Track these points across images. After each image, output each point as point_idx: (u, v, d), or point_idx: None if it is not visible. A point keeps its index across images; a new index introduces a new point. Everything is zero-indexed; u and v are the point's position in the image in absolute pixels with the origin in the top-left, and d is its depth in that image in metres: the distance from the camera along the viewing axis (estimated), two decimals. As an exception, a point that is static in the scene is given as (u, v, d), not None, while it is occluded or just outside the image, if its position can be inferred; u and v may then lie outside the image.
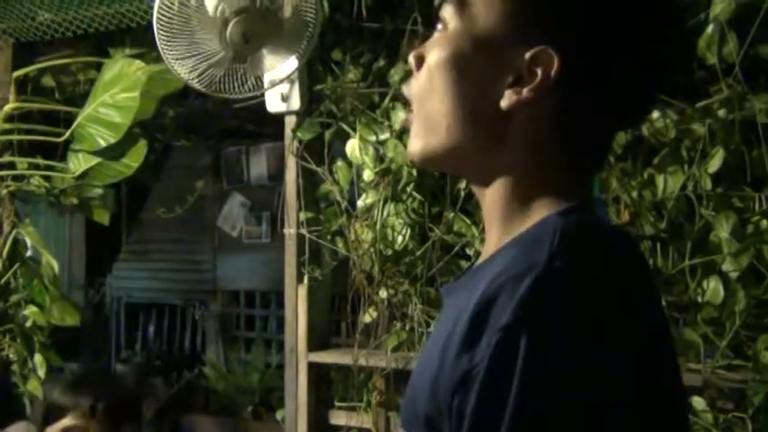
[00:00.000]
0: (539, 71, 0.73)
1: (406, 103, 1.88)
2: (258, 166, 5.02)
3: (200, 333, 5.45)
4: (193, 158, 5.17)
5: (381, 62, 2.11)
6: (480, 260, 0.79)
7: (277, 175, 4.87)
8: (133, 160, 2.66)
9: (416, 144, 0.79)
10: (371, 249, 2.00)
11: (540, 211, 0.73)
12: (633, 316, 0.66)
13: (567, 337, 0.61)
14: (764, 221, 1.69)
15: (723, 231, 1.69)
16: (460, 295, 0.70)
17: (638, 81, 0.76)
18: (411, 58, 0.81)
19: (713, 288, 1.69)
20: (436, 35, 0.79)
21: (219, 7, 1.86)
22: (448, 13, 0.78)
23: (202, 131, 4.61)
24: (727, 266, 1.69)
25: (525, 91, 0.73)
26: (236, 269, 5.24)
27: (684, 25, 1.28)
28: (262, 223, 5.06)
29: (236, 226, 5.18)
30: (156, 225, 5.33)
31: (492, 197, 0.77)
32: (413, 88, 0.80)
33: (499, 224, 0.76)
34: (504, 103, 0.74)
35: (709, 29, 1.69)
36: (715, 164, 1.71)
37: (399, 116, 1.98)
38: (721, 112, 1.72)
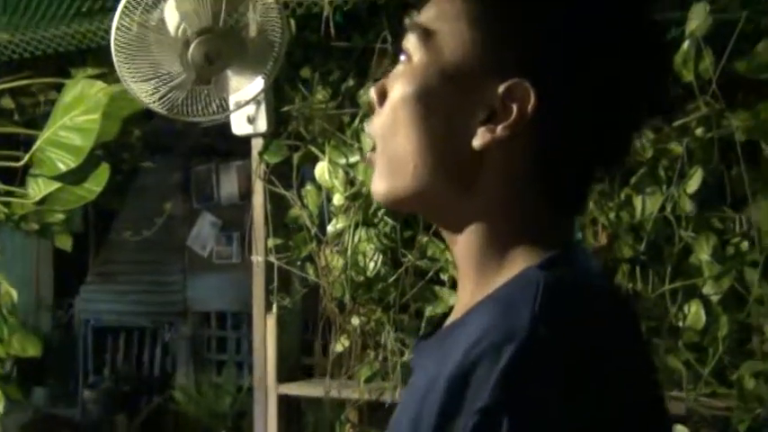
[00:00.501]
0: (514, 107, 0.66)
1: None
2: (229, 185, 4.93)
3: (170, 356, 5.34)
4: (162, 177, 5.07)
5: (351, 82, 2.05)
6: (454, 314, 0.72)
7: (248, 193, 4.77)
8: (95, 184, 2.56)
9: (381, 185, 0.73)
10: (342, 276, 1.93)
11: (518, 262, 0.67)
12: (624, 385, 0.60)
13: (553, 420, 0.54)
14: (745, 243, 1.65)
15: (704, 253, 1.65)
16: (431, 359, 0.64)
17: (621, 112, 0.71)
18: (372, 93, 0.75)
19: (694, 312, 1.64)
20: (400, 68, 0.72)
21: (181, 27, 1.79)
22: (411, 43, 0.71)
23: (171, 150, 4.51)
24: (708, 290, 1.65)
25: (500, 129, 0.67)
26: (206, 290, 5.14)
27: (668, 49, 1.23)
28: (233, 243, 4.97)
29: (207, 246, 5.08)
30: (124, 246, 5.21)
31: (464, 244, 0.71)
32: (375, 125, 0.73)
33: (473, 275, 0.70)
34: (476, 143, 0.67)
35: (685, 45, 1.65)
36: (694, 184, 1.66)
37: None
38: (699, 131, 1.68)
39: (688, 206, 1.67)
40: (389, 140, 0.71)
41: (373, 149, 0.76)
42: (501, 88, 0.67)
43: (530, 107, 0.66)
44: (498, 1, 0.69)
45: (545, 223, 0.69)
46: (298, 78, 2.16)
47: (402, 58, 0.73)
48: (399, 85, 0.71)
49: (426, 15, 0.72)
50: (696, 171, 1.66)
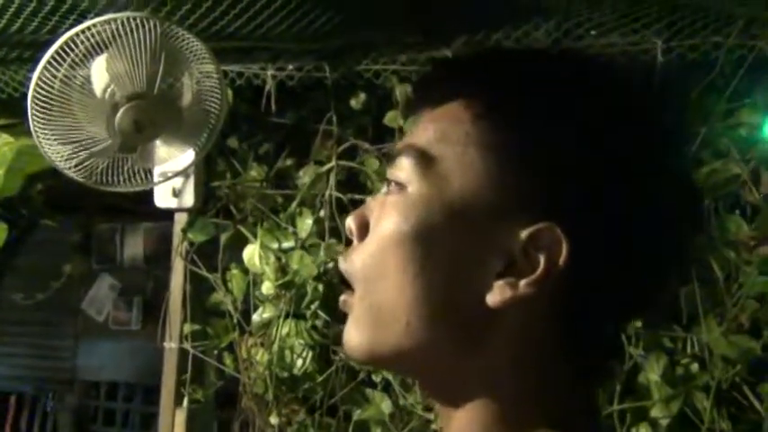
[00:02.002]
0: (540, 258, 0.54)
1: (315, 208, 1.60)
2: (133, 247, 4.65)
3: (52, 426, 4.91)
4: (61, 234, 4.73)
5: (288, 161, 1.92)
6: None
7: (154, 257, 4.52)
8: (-10, 246, 2.32)
9: (359, 338, 0.58)
10: (266, 372, 1.76)
11: None
12: None
13: None
14: (695, 365, 1.59)
15: (653, 373, 1.58)
16: None
17: (661, 262, 0.60)
18: (350, 223, 0.61)
19: (644, 437, 1.56)
20: (391, 198, 0.58)
21: (109, 90, 1.62)
22: (405, 169, 0.58)
23: (73, 207, 4.23)
24: (656, 413, 1.57)
25: (523, 284, 0.54)
26: (99, 357, 4.78)
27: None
28: (132, 308, 4.66)
29: (103, 310, 4.75)
30: (10, 304, 4.82)
31: (464, 420, 0.57)
32: (355, 264, 0.59)
33: None
34: (492, 299, 0.54)
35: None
36: (645, 300, 1.60)
37: (307, 224, 1.78)
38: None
39: (638, 321, 1.60)
40: (374, 285, 0.57)
41: (346, 285, 0.61)
42: (524, 233, 0.54)
43: (561, 259, 0.54)
44: (519, 125, 0.57)
45: (568, 398, 0.56)
46: (227, 150, 2.02)
47: (391, 185, 0.59)
48: (391, 220, 0.57)
49: (424, 136, 0.59)
50: (648, 286, 1.60)
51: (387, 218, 0.58)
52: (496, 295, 0.54)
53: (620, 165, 0.57)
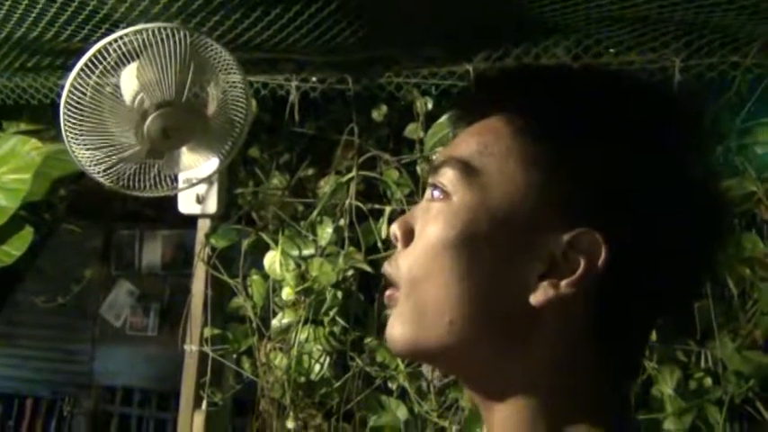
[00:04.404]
0: (581, 260, 0.58)
1: (335, 216, 1.65)
2: (151, 254, 4.70)
3: (68, 431, 4.95)
4: (81, 239, 4.80)
5: (309, 171, 1.96)
6: None
7: (172, 264, 4.58)
8: (15, 248, 2.36)
9: (402, 331, 0.62)
10: (284, 376, 1.79)
11: None
12: None
13: None
14: (708, 379, 1.60)
15: (666, 386, 1.60)
16: None
17: (693, 265, 0.64)
18: (395, 230, 0.65)
19: (656, 450, 1.57)
20: (434, 205, 0.63)
21: (138, 98, 1.67)
22: (449, 179, 0.62)
23: (95, 213, 4.29)
24: (669, 426, 1.58)
25: (564, 285, 0.58)
26: (115, 362, 4.83)
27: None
28: (149, 315, 4.71)
29: (121, 315, 4.80)
30: (29, 307, 4.87)
31: (505, 415, 0.60)
32: (402, 267, 0.63)
33: None
34: (535, 299, 0.58)
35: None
36: (660, 313, 1.62)
37: (327, 232, 1.82)
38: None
39: (653, 335, 1.62)
40: (419, 286, 0.61)
41: (387, 285, 0.65)
42: (565, 238, 0.59)
43: (600, 261, 0.58)
44: (557, 139, 0.61)
45: (603, 392, 0.60)
46: (249, 158, 2.06)
47: (435, 193, 0.63)
48: (438, 227, 0.61)
49: (466, 149, 0.63)
50: (663, 300, 1.62)
51: (433, 225, 0.61)
52: (539, 295, 0.58)
53: (654, 176, 0.60)
